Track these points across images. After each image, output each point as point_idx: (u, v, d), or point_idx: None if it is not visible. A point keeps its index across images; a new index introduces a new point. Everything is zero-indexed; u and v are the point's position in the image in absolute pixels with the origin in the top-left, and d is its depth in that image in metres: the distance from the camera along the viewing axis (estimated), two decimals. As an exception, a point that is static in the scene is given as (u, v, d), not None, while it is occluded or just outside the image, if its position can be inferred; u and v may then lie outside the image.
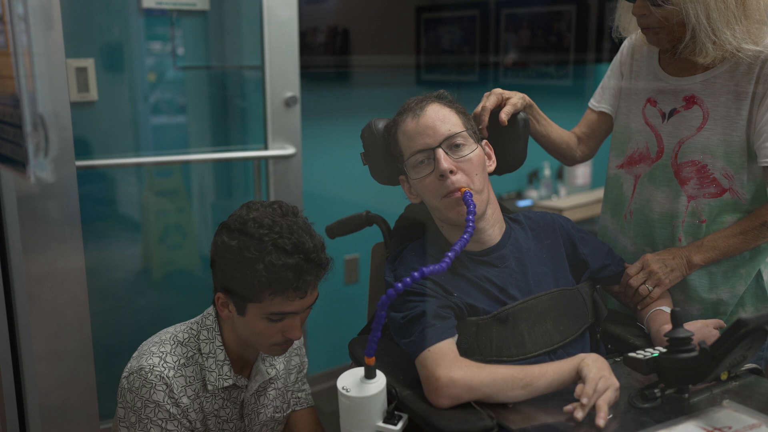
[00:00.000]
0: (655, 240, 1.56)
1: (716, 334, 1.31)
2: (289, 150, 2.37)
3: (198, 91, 2.55)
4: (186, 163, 2.54)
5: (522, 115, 1.49)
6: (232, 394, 1.40)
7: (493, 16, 3.19)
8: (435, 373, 1.18)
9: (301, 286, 1.25)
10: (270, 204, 1.32)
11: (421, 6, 2.99)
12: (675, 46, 1.45)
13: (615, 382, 1.16)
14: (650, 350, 1.21)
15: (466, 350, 1.28)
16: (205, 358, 1.36)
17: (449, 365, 1.19)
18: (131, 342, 1.41)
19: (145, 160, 2.40)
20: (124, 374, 1.34)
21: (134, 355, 1.37)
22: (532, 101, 1.53)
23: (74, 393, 1.54)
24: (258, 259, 1.22)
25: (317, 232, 1.32)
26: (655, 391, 1.16)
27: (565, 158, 1.71)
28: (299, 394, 1.58)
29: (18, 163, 0.89)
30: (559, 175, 3.59)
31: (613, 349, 1.48)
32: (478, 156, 1.35)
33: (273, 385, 1.48)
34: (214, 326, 1.38)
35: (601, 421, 1.09)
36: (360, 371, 1.16)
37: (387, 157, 1.45)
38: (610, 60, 1.72)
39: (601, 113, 1.69)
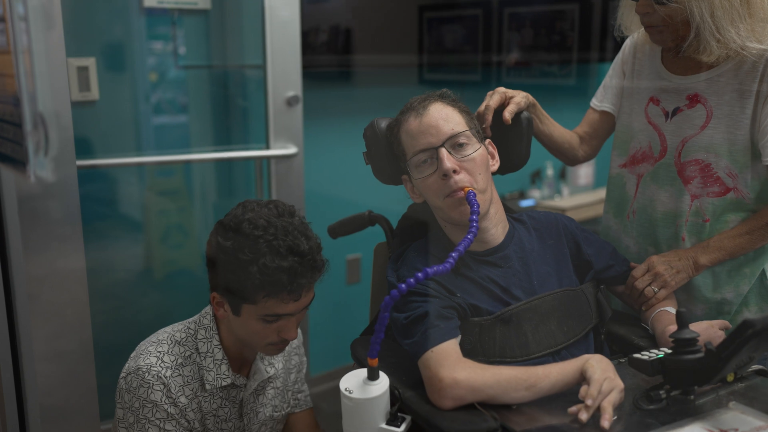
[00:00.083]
0: (658, 239, 1.56)
1: (722, 335, 1.30)
2: (291, 149, 2.36)
3: (199, 91, 2.55)
4: (187, 163, 2.54)
5: (525, 114, 1.49)
6: (231, 394, 1.40)
7: (496, 15, 3.19)
8: (438, 374, 1.18)
9: (295, 288, 1.24)
10: (266, 204, 1.31)
11: (423, 5, 2.99)
12: (678, 45, 1.45)
13: (620, 384, 1.15)
14: (655, 351, 1.21)
15: (469, 351, 1.27)
16: (202, 358, 1.35)
17: (452, 366, 1.18)
18: (133, 342, 1.41)
19: (146, 159, 2.40)
20: (122, 375, 1.34)
21: (132, 355, 1.37)
22: (535, 100, 1.53)
23: (75, 393, 1.54)
24: (252, 261, 1.22)
25: (314, 233, 1.31)
26: (661, 392, 1.16)
27: (568, 158, 1.71)
28: (299, 396, 1.58)
29: (18, 162, 0.89)
30: (561, 175, 3.58)
31: (618, 350, 1.48)
32: (482, 155, 1.34)
33: (272, 384, 1.48)
34: (211, 325, 1.38)
35: (605, 423, 1.08)
36: (363, 372, 1.15)
37: (389, 157, 1.44)
38: (614, 59, 1.71)
39: (603, 112, 1.68)
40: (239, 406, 1.42)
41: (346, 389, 1.13)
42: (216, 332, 1.37)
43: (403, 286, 1.08)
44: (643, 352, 1.21)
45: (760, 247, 1.49)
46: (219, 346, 1.36)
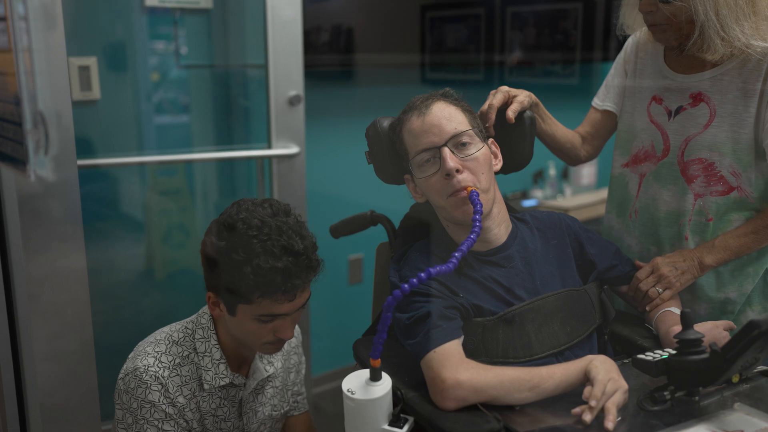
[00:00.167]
0: (661, 239, 1.55)
1: (726, 335, 1.30)
2: (293, 149, 2.36)
3: (201, 90, 2.55)
4: (189, 163, 2.54)
5: (528, 113, 1.48)
6: (230, 393, 1.39)
7: (499, 15, 3.18)
8: (441, 374, 1.17)
9: (289, 289, 1.23)
10: (261, 203, 1.30)
11: (425, 4, 2.98)
12: (682, 44, 1.45)
13: (624, 384, 1.15)
14: (659, 352, 1.20)
15: (472, 351, 1.27)
16: (200, 357, 1.35)
17: (455, 367, 1.18)
18: (134, 342, 1.41)
19: (148, 159, 2.39)
20: (120, 375, 1.34)
21: (130, 356, 1.37)
22: (537, 99, 1.52)
23: (76, 393, 1.54)
24: (246, 262, 1.21)
25: (311, 232, 1.30)
26: (665, 393, 1.15)
27: (570, 158, 1.70)
28: (298, 398, 1.58)
29: (18, 161, 0.89)
30: (564, 175, 3.58)
31: (621, 351, 1.47)
32: (485, 155, 1.34)
33: (271, 384, 1.48)
34: (209, 325, 1.37)
35: (609, 424, 1.08)
36: (365, 373, 1.15)
37: (392, 156, 1.44)
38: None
39: (605, 112, 1.68)
40: (238, 405, 1.42)
41: (348, 390, 1.13)
42: (214, 332, 1.37)
43: (406, 286, 1.08)
44: (647, 353, 1.20)
45: (764, 246, 1.48)
46: (217, 346, 1.36)
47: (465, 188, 1.29)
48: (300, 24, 2.29)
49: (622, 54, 1.68)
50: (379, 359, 1.12)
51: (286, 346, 1.52)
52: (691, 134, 1.48)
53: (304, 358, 1.61)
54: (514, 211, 1.51)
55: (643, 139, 1.58)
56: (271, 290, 1.22)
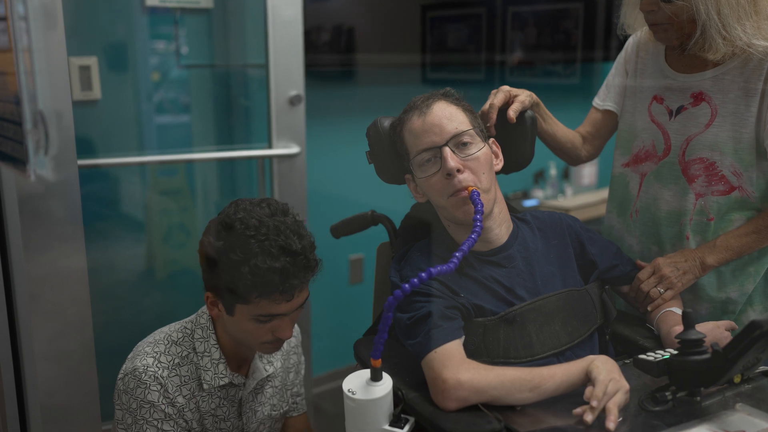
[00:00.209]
0: (662, 238, 1.55)
1: (728, 336, 1.30)
2: (294, 149, 2.35)
3: (202, 90, 2.55)
4: (190, 162, 2.54)
5: (529, 113, 1.48)
6: (230, 393, 1.39)
7: (500, 14, 3.18)
8: (442, 375, 1.17)
9: (287, 289, 1.23)
10: (259, 202, 1.29)
11: (426, 4, 2.98)
12: (683, 43, 1.44)
13: (625, 385, 1.14)
14: (661, 352, 1.20)
15: (473, 352, 1.26)
16: (200, 357, 1.35)
17: (456, 367, 1.17)
18: (135, 342, 1.41)
19: (148, 159, 2.39)
20: (120, 376, 1.34)
21: (129, 356, 1.36)
22: (538, 99, 1.52)
23: (76, 393, 1.54)
24: (243, 262, 1.21)
25: (309, 231, 1.30)
26: (667, 393, 1.15)
27: (571, 158, 1.70)
28: (297, 399, 1.57)
29: (18, 161, 0.89)
30: (565, 175, 3.57)
31: (623, 351, 1.47)
32: (486, 154, 1.34)
33: (270, 383, 1.47)
34: (208, 325, 1.37)
35: (611, 425, 1.07)
36: (366, 373, 1.14)
37: (392, 156, 1.43)
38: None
39: (606, 111, 1.68)
40: (238, 405, 1.42)
41: (349, 390, 1.13)
42: (213, 331, 1.37)
43: (407, 286, 1.08)
44: (649, 353, 1.20)
45: (766, 246, 1.48)
46: (216, 346, 1.36)
47: (466, 188, 1.28)
48: (301, 24, 2.28)
49: (622, 54, 1.68)
50: (380, 359, 1.11)
51: (285, 345, 1.51)
52: (693, 134, 1.48)
53: (303, 358, 1.61)
54: (515, 211, 1.51)
55: (644, 139, 1.57)
56: (269, 290, 1.22)
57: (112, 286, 2.43)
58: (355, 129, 1.70)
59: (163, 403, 1.30)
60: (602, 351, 1.42)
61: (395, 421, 1.15)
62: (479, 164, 1.31)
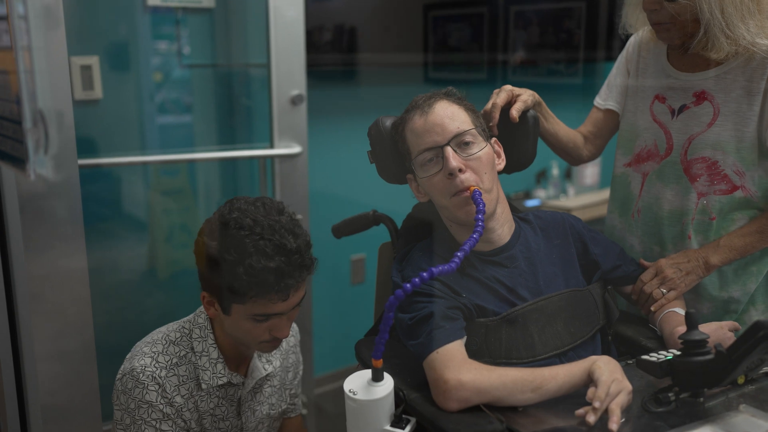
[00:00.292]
0: (664, 238, 1.55)
1: (731, 336, 1.29)
2: (296, 149, 2.35)
3: (203, 90, 2.54)
4: (192, 162, 2.53)
5: (532, 112, 1.47)
6: (229, 392, 1.39)
7: (502, 14, 3.17)
8: (443, 375, 1.16)
9: (282, 288, 1.22)
10: (254, 201, 1.29)
11: (428, 3, 2.98)
12: (685, 42, 1.44)
13: (628, 386, 1.14)
14: (664, 353, 1.20)
15: (475, 352, 1.26)
16: (198, 357, 1.35)
17: (458, 368, 1.17)
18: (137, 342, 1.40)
19: (150, 158, 2.39)
20: (118, 376, 1.34)
21: (127, 356, 1.36)
22: (540, 99, 1.51)
23: (77, 393, 1.53)
24: (238, 262, 1.20)
25: (304, 229, 1.30)
26: (670, 394, 1.14)
27: (572, 158, 1.70)
28: (295, 400, 1.57)
29: (18, 160, 0.89)
30: (567, 175, 3.57)
31: (625, 352, 1.46)
32: (488, 154, 1.33)
33: (269, 383, 1.47)
34: (206, 324, 1.37)
35: (613, 426, 1.07)
36: (367, 374, 1.14)
37: (394, 156, 1.43)
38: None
39: (607, 111, 1.68)
40: (237, 404, 1.41)
41: (350, 390, 1.12)
42: (211, 331, 1.37)
43: (408, 286, 1.07)
44: (652, 354, 1.20)
45: (768, 245, 1.47)
46: (214, 345, 1.36)
47: (468, 188, 1.28)
48: (302, 23, 2.28)
49: (624, 53, 1.67)
50: (381, 360, 1.11)
51: (284, 344, 1.51)
52: (695, 133, 1.48)
53: (301, 358, 1.61)
54: (517, 211, 1.50)
55: (646, 138, 1.57)
56: (264, 290, 1.21)
57: (115, 286, 2.43)
58: (356, 129, 1.70)
59: (162, 403, 1.30)
60: (605, 351, 1.41)
61: (396, 422, 1.14)
62: (481, 164, 1.31)
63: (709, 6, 1.32)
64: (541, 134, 1.56)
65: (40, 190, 1.40)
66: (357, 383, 1.14)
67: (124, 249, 2.48)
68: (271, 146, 2.35)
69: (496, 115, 1.42)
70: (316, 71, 2.55)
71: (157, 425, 1.30)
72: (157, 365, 1.31)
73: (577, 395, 1.16)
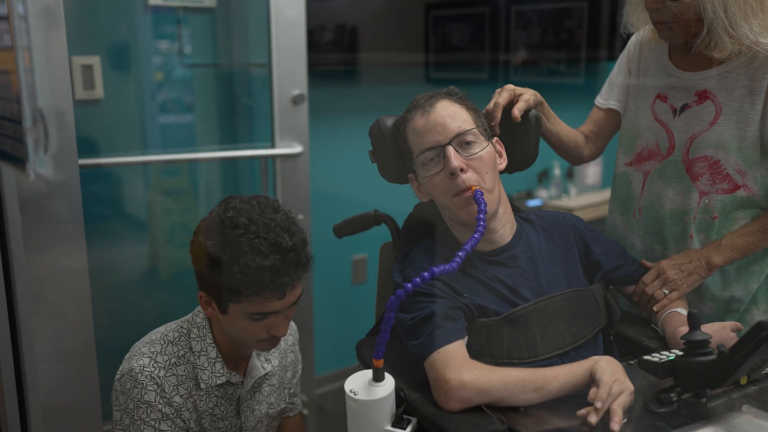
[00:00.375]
0: (666, 237, 1.54)
1: (734, 337, 1.29)
2: (297, 148, 2.35)
3: (205, 89, 2.54)
4: (193, 162, 2.53)
5: (534, 112, 1.47)
6: (228, 392, 1.39)
7: (503, 13, 3.17)
8: (445, 375, 1.16)
9: (278, 287, 1.22)
10: (249, 200, 1.29)
11: (430, 3, 2.97)
12: (688, 41, 1.44)
13: (630, 386, 1.13)
14: (666, 353, 1.19)
15: (476, 352, 1.26)
16: (196, 357, 1.35)
17: (459, 368, 1.17)
18: (138, 343, 1.40)
19: (151, 158, 2.39)
20: (117, 377, 1.34)
21: (126, 356, 1.36)
22: (542, 98, 1.51)
23: (77, 393, 1.53)
24: (233, 261, 1.20)
25: (300, 227, 1.29)
26: (672, 395, 1.14)
27: (573, 157, 1.70)
28: (294, 399, 1.57)
29: (18, 159, 0.88)
30: (569, 175, 3.57)
31: (627, 352, 1.46)
32: (489, 154, 1.33)
33: (268, 382, 1.47)
34: (204, 324, 1.37)
35: (615, 426, 1.07)
36: (368, 374, 1.14)
37: (396, 155, 1.43)
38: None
39: (608, 110, 1.67)
40: (236, 404, 1.41)
41: (351, 391, 1.12)
42: (209, 330, 1.37)
43: (409, 285, 1.07)
44: (654, 354, 1.19)
45: (770, 245, 1.47)
46: (212, 345, 1.36)
47: (469, 188, 1.27)
48: (304, 23, 2.28)
49: (625, 52, 1.67)
50: (382, 360, 1.11)
51: (282, 343, 1.51)
52: (697, 132, 1.48)
53: (300, 357, 1.60)
54: (518, 211, 1.50)
55: (648, 138, 1.57)
56: (260, 289, 1.21)
57: (116, 286, 2.43)
58: (358, 128, 1.70)
59: (160, 403, 1.30)
60: (606, 352, 1.41)
61: (397, 422, 1.14)
62: (483, 163, 1.30)
63: (712, 5, 1.32)
64: (542, 134, 1.56)
65: (41, 189, 1.40)
66: (358, 383, 1.13)
67: (125, 249, 2.48)
68: (273, 146, 2.35)
69: (498, 114, 1.41)
70: (317, 71, 2.55)
71: (156, 425, 1.30)
72: (155, 365, 1.31)
73: (578, 395, 1.16)
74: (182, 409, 1.33)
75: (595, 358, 1.19)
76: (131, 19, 2.35)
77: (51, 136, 0.85)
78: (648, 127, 1.57)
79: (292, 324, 1.56)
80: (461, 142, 1.30)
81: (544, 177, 3.51)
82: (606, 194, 3.46)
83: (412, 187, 1.43)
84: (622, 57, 1.67)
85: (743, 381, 1.19)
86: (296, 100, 2.32)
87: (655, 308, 1.45)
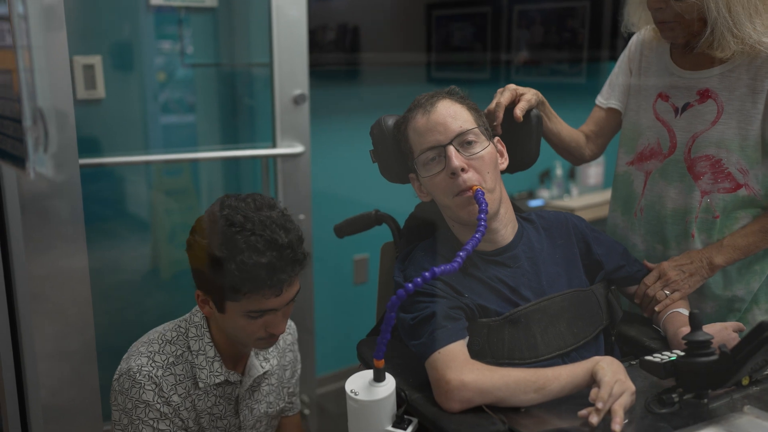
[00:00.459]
0: (667, 236, 1.54)
1: (736, 337, 1.29)
2: (298, 148, 2.35)
3: (206, 89, 2.55)
4: (194, 162, 2.53)
5: (535, 111, 1.47)
6: (226, 391, 1.39)
7: (505, 13, 3.17)
8: (445, 375, 1.16)
9: (275, 284, 1.22)
10: (244, 198, 1.29)
11: (431, 3, 2.97)
12: (690, 41, 1.44)
13: (631, 386, 1.13)
14: (667, 353, 1.19)
15: (477, 352, 1.25)
16: (195, 356, 1.35)
17: (460, 368, 1.16)
18: (139, 342, 1.40)
19: (153, 158, 2.39)
20: (115, 377, 1.34)
21: (124, 356, 1.37)
22: (544, 98, 1.51)
23: (78, 393, 1.53)
24: (229, 259, 1.20)
25: (296, 224, 1.29)
26: (673, 395, 1.14)
27: (575, 157, 1.70)
28: (293, 398, 1.57)
29: (18, 158, 0.88)
30: (571, 175, 3.56)
31: (629, 352, 1.46)
32: (490, 153, 1.32)
33: (267, 381, 1.47)
34: (202, 323, 1.37)
35: (616, 427, 1.06)
36: (369, 374, 1.14)
37: (397, 155, 1.43)
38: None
39: (609, 110, 1.67)
40: (234, 403, 1.41)
41: (351, 391, 1.12)
42: (207, 330, 1.37)
43: (410, 285, 1.07)
44: (655, 354, 1.19)
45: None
46: (211, 344, 1.36)
47: (470, 187, 1.27)
48: (305, 23, 2.28)
49: (626, 52, 1.67)
50: (383, 360, 1.10)
51: (281, 342, 1.51)
52: (699, 131, 1.47)
53: (299, 356, 1.60)
54: (520, 211, 1.50)
55: (649, 137, 1.57)
56: (257, 286, 1.21)
57: (117, 286, 2.43)
58: (359, 128, 1.69)
59: (159, 403, 1.30)
60: (608, 352, 1.41)
61: (398, 422, 1.14)
62: (484, 163, 1.30)
63: (716, 5, 1.32)
64: (543, 134, 1.55)
65: (42, 189, 1.40)
66: (359, 383, 1.13)
67: (127, 249, 2.48)
68: (274, 146, 2.35)
69: (500, 114, 1.41)
70: (318, 71, 2.55)
71: (155, 425, 1.30)
72: (153, 365, 1.31)
73: (579, 396, 1.15)
74: (181, 409, 1.33)
75: (597, 358, 1.19)
76: (133, 19, 2.36)
77: (51, 136, 0.85)
78: (649, 127, 1.56)
79: (291, 323, 1.56)
80: (462, 141, 1.30)
81: (545, 177, 3.51)
82: (607, 194, 3.45)
83: (413, 187, 1.43)
84: (623, 57, 1.67)
85: (745, 381, 1.18)
86: (297, 100, 2.32)
87: (656, 308, 1.45)
